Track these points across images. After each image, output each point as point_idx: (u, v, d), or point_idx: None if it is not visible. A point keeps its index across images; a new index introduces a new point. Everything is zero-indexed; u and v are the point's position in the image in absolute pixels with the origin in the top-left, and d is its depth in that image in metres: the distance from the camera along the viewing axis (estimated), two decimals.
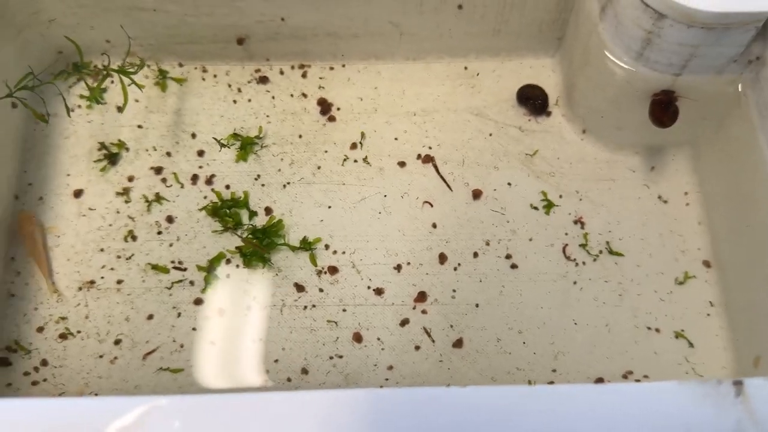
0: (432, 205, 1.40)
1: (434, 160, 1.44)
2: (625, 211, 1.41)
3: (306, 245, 1.35)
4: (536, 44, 1.51)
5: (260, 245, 1.33)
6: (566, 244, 1.38)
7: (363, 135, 1.46)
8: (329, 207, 1.40)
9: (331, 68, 1.53)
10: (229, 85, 1.50)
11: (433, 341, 1.30)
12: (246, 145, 1.42)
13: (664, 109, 1.27)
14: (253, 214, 1.38)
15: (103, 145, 1.41)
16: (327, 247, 1.37)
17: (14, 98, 1.29)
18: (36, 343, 1.27)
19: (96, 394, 1.23)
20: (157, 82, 1.48)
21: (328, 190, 1.42)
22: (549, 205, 1.41)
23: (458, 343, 1.30)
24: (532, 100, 1.48)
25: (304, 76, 1.51)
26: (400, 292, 1.34)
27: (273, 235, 1.36)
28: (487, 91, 1.51)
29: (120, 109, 1.40)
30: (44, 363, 1.26)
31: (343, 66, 1.53)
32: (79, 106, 1.45)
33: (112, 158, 1.40)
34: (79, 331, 1.28)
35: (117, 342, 1.27)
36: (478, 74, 1.52)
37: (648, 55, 1.21)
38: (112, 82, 1.49)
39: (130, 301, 1.30)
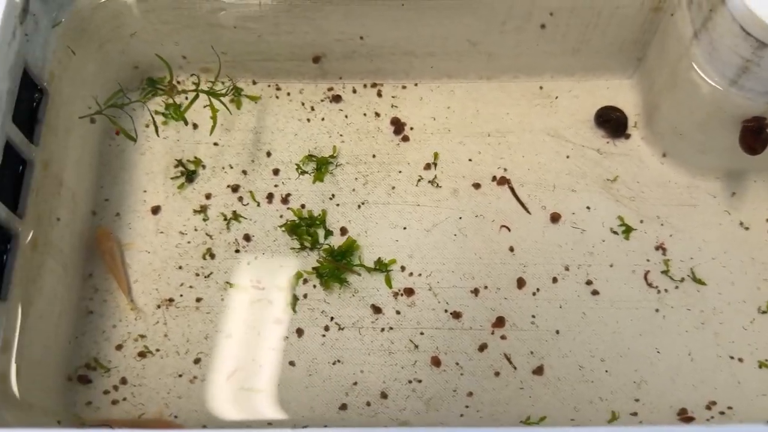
0: (509, 229, 1.38)
1: (510, 182, 1.43)
2: (707, 238, 1.39)
3: (381, 267, 1.34)
4: (615, 64, 1.49)
5: (337, 266, 1.31)
6: (648, 271, 1.35)
7: (436, 155, 1.45)
8: (404, 228, 1.39)
9: (404, 87, 1.52)
10: (303, 104, 1.49)
11: (515, 368, 1.28)
12: (322, 166, 1.41)
13: (755, 135, 1.24)
14: (329, 233, 1.37)
15: (180, 162, 1.41)
16: (403, 268, 1.35)
17: (95, 114, 1.29)
18: (115, 361, 1.27)
19: (176, 416, 1.22)
20: (233, 100, 1.47)
21: (402, 210, 1.40)
22: (628, 230, 1.38)
23: (539, 371, 1.28)
24: (612, 121, 1.45)
25: (379, 95, 1.50)
26: (477, 317, 1.32)
27: (348, 256, 1.34)
28: (563, 111, 1.49)
29: (198, 162, 1.41)
30: (123, 381, 1.25)
31: (416, 84, 1.52)
32: (155, 122, 1.45)
33: (190, 175, 1.40)
34: (158, 350, 1.28)
35: (196, 361, 1.27)
36: (556, 96, 1.50)
37: (743, 83, 1.19)
38: (186, 98, 1.48)
39: (209, 319, 1.30)
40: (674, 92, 1.33)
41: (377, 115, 1.48)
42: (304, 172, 1.42)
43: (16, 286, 1.08)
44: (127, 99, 1.31)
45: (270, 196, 1.40)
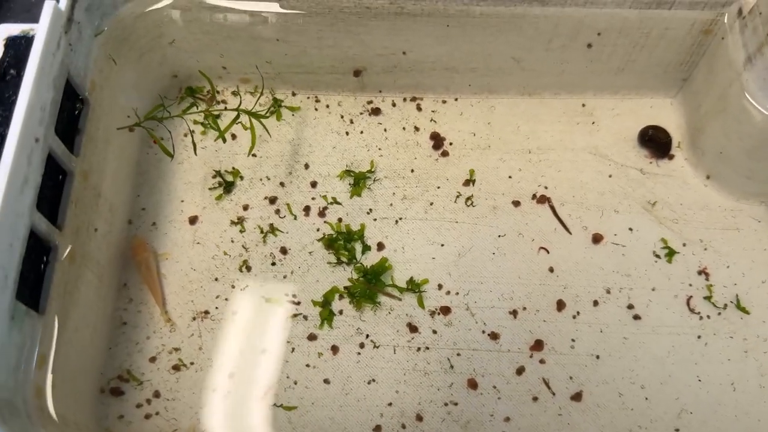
0: (548, 251, 1.36)
1: (551, 201, 1.40)
2: (751, 263, 1.36)
3: (414, 287, 1.32)
4: (658, 84, 1.46)
5: (369, 286, 1.29)
6: (690, 296, 1.32)
7: (476, 172, 1.43)
8: (442, 245, 1.37)
9: (444, 101, 1.50)
10: (342, 116, 1.47)
11: (553, 393, 1.25)
12: (359, 180, 1.39)
13: None
14: (366, 248, 1.35)
15: (218, 173, 1.40)
16: (440, 287, 1.33)
17: (133, 126, 1.28)
18: (148, 374, 1.26)
19: None
20: (272, 111, 1.46)
21: (440, 227, 1.38)
22: (671, 253, 1.35)
23: (578, 397, 1.25)
24: (656, 141, 1.43)
25: (418, 108, 1.48)
26: (516, 339, 1.29)
27: (380, 275, 1.32)
28: (606, 130, 1.46)
29: (236, 172, 1.39)
30: (156, 395, 1.24)
31: (456, 99, 1.50)
32: (193, 132, 1.44)
33: (228, 186, 1.39)
34: (192, 363, 1.26)
35: (230, 376, 1.25)
36: (595, 112, 1.48)
37: None
38: (225, 107, 1.47)
39: (244, 333, 1.28)
40: (722, 117, 1.30)
41: (416, 129, 1.46)
42: (355, 193, 1.40)
43: (53, 299, 1.07)
44: (167, 113, 1.29)
45: (307, 209, 1.39)
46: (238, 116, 1.25)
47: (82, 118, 1.17)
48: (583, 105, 1.48)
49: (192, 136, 1.34)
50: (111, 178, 1.27)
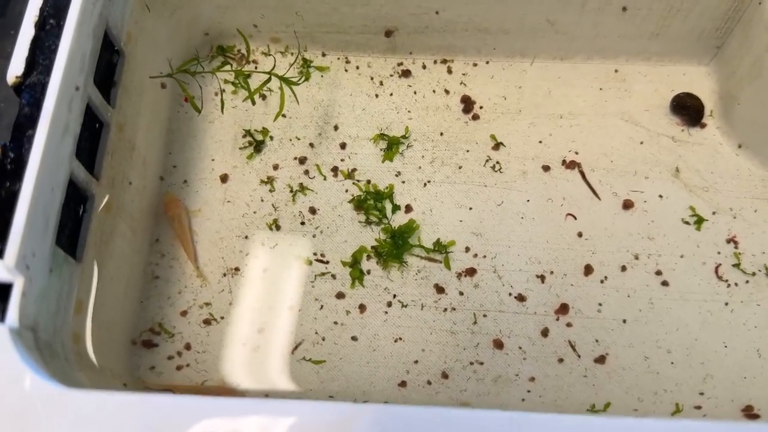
0: (575, 217, 1.36)
1: (581, 166, 1.40)
2: None
3: (441, 248, 1.33)
4: (692, 51, 1.45)
5: (395, 247, 1.30)
6: (719, 264, 1.32)
7: (506, 136, 1.42)
8: (470, 208, 1.37)
9: (475, 64, 1.49)
10: (372, 78, 1.47)
11: (579, 356, 1.26)
12: (393, 145, 1.39)
13: None
14: (396, 207, 1.36)
15: (248, 132, 1.41)
16: (467, 249, 1.34)
17: (165, 79, 1.28)
18: (179, 327, 1.28)
19: (238, 385, 1.23)
20: (301, 71, 1.46)
21: (469, 191, 1.38)
22: (700, 221, 1.35)
23: (603, 359, 1.26)
24: (688, 109, 1.42)
25: (449, 71, 1.47)
26: (542, 302, 1.30)
27: (408, 236, 1.33)
28: (638, 96, 1.46)
29: (266, 132, 1.40)
30: (188, 347, 1.26)
31: (487, 63, 1.49)
32: (224, 91, 1.45)
33: (258, 146, 1.40)
34: (222, 317, 1.28)
35: (260, 331, 1.27)
36: (628, 78, 1.47)
37: None
38: (256, 68, 1.47)
39: (273, 290, 1.30)
40: (757, 83, 1.29)
41: (447, 92, 1.46)
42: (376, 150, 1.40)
43: (90, 247, 1.09)
44: (201, 67, 1.30)
45: (336, 170, 1.39)
46: (269, 79, 1.25)
47: (119, 70, 1.18)
48: (616, 71, 1.47)
49: (222, 96, 1.35)
50: (144, 133, 1.28)
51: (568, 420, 0.82)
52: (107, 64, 1.15)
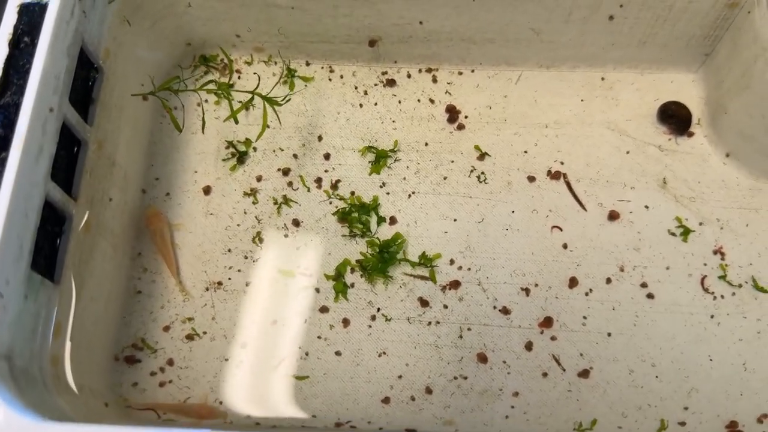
0: (561, 229, 1.35)
1: (566, 177, 1.39)
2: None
3: (426, 262, 1.32)
4: (680, 58, 1.43)
5: (380, 260, 1.29)
6: (705, 276, 1.31)
7: (491, 146, 1.41)
8: (455, 220, 1.36)
9: (460, 73, 1.48)
10: (356, 87, 1.46)
11: (563, 370, 1.25)
12: (381, 158, 1.38)
13: None
14: (381, 220, 1.35)
15: (231, 144, 1.39)
16: (452, 262, 1.33)
17: (147, 94, 1.27)
18: (162, 342, 1.27)
19: (221, 402, 1.23)
20: (285, 81, 1.44)
21: (454, 202, 1.37)
22: (686, 232, 1.34)
23: (588, 373, 1.26)
24: (676, 118, 1.40)
25: (434, 80, 1.46)
26: (527, 315, 1.29)
27: (395, 251, 1.32)
28: (625, 104, 1.44)
29: (249, 143, 1.38)
30: (170, 363, 1.26)
31: (473, 71, 1.48)
32: (206, 101, 1.43)
33: (241, 157, 1.38)
34: (205, 332, 1.28)
35: (243, 346, 1.27)
36: (615, 86, 1.45)
37: None
38: (239, 77, 1.46)
39: (256, 305, 1.29)
40: (745, 94, 1.27)
41: (431, 101, 1.45)
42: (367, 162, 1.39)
43: (68, 268, 1.08)
44: (183, 85, 1.29)
45: (320, 181, 1.38)
46: (252, 99, 1.23)
47: (96, 87, 1.17)
48: (603, 79, 1.46)
49: (203, 113, 1.33)
50: (125, 148, 1.27)
51: None
52: (84, 82, 1.14)
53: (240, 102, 1.29)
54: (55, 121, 1.03)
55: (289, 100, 1.34)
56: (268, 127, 1.40)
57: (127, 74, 1.27)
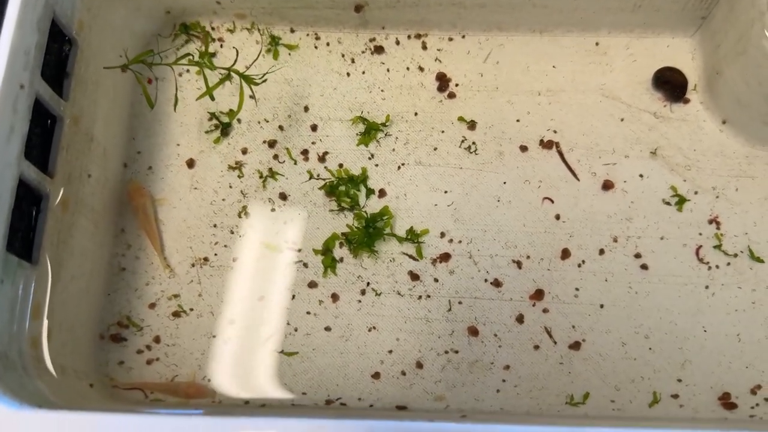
0: (555, 197, 1.32)
1: (559, 146, 1.35)
2: (764, 213, 1.31)
3: (413, 237, 1.29)
4: (675, 22, 1.38)
5: (366, 235, 1.26)
6: (700, 246, 1.29)
7: (482, 114, 1.37)
8: (445, 192, 1.33)
9: (450, 39, 1.43)
10: (343, 55, 1.41)
11: (555, 342, 1.24)
12: (371, 130, 1.34)
13: None
14: (370, 192, 1.31)
15: (213, 115, 1.35)
16: (443, 235, 1.30)
17: (125, 61, 1.23)
18: (148, 320, 1.25)
19: (209, 379, 1.21)
20: (269, 49, 1.40)
21: (444, 173, 1.34)
22: (681, 201, 1.31)
23: (580, 346, 1.24)
24: (671, 83, 1.36)
25: (423, 47, 1.41)
26: (518, 287, 1.27)
27: (383, 227, 1.29)
28: (619, 70, 1.40)
29: (232, 114, 1.34)
30: (157, 340, 1.24)
31: (463, 37, 1.43)
32: (188, 71, 1.39)
33: (224, 129, 1.35)
34: (192, 309, 1.26)
35: (231, 322, 1.25)
36: (609, 51, 1.41)
37: None
38: (222, 46, 1.41)
39: (243, 280, 1.27)
40: (742, 59, 1.23)
41: (421, 69, 1.40)
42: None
43: (46, 248, 1.05)
44: (158, 58, 1.24)
45: (306, 153, 1.35)
46: (228, 76, 1.19)
47: (71, 60, 1.12)
48: (597, 44, 1.42)
49: (176, 89, 1.29)
50: (103, 122, 1.23)
51: None
52: (58, 56, 1.10)
53: (221, 74, 1.25)
54: (26, 98, 0.99)
55: (266, 80, 1.30)
56: (252, 97, 1.36)
57: (104, 46, 1.22)
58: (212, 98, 1.31)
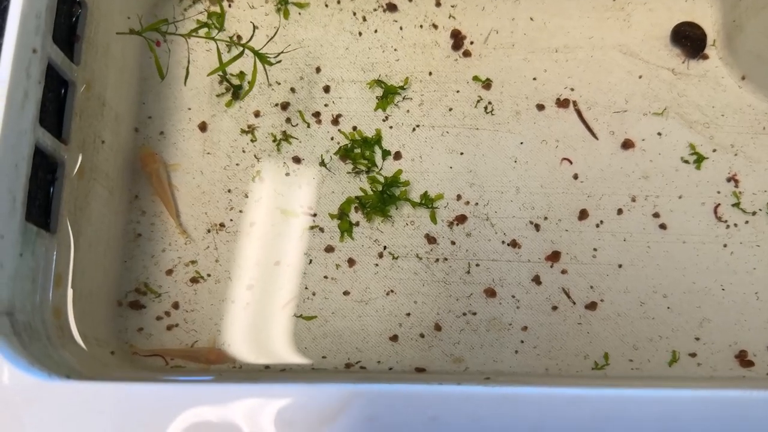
0: (573, 157, 1.30)
1: (577, 104, 1.33)
2: None
3: (427, 202, 1.28)
4: None
5: (380, 200, 1.25)
6: (718, 204, 1.28)
7: (498, 73, 1.35)
8: (461, 153, 1.31)
9: None
10: (354, 13, 1.38)
11: (573, 303, 1.24)
12: (389, 94, 1.31)
13: None
14: (386, 153, 1.30)
15: (224, 78, 1.33)
16: (459, 197, 1.29)
17: (135, 23, 1.20)
18: (166, 286, 1.25)
19: (229, 345, 1.21)
20: (279, 8, 1.37)
21: (460, 134, 1.32)
22: (700, 159, 1.30)
23: (598, 306, 1.24)
24: (690, 39, 1.34)
25: (437, 3, 1.38)
26: (536, 249, 1.27)
27: (400, 197, 1.27)
28: (637, 26, 1.37)
29: (248, 89, 1.30)
30: (176, 306, 1.24)
31: None
32: (199, 28, 1.35)
33: (236, 92, 1.32)
34: (209, 275, 1.25)
35: (249, 287, 1.24)
36: (626, 6, 1.38)
37: None
38: (231, 6, 1.38)
39: (260, 246, 1.26)
40: (764, 13, 1.21)
41: (435, 27, 1.37)
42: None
43: (64, 216, 1.04)
44: (174, 27, 1.21)
45: (320, 116, 1.33)
46: (242, 53, 1.16)
47: (81, 23, 1.10)
48: None
49: (188, 63, 1.26)
50: (114, 86, 1.21)
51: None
52: (68, 18, 1.07)
53: (229, 39, 1.21)
54: (39, 63, 0.97)
55: (280, 61, 1.27)
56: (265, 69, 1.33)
57: (112, 7, 1.19)
58: (224, 74, 1.29)
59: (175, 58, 1.33)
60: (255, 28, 1.25)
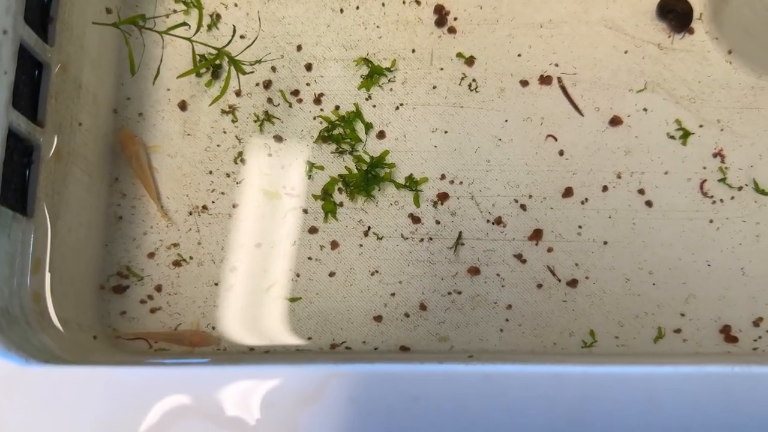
0: (558, 134, 1.29)
1: (562, 80, 1.32)
2: None
3: (412, 184, 1.27)
4: None
5: (363, 180, 1.24)
6: (704, 180, 1.27)
7: (483, 49, 1.33)
8: (445, 132, 1.30)
9: None
10: None
11: (559, 280, 1.23)
12: (374, 74, 1.29)
13: None
14: (368, 126, 1.28)
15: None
16: (443, 176, 1.28)
17: (111, 2, 1.18)
18: (148, 270, 1.24)
19: (213, 327, 1.21)
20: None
21: (444, 113, 1.31)
22: (686, 135, 1.29)
23: (583, 283, 1.24)
24: (676, 13, 1.32)
25: None
26: (521, 227, 1.26)
27: (384, 177, 1.26)
28: (623, 0, 1.35)
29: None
30: (158, 289, 1.23)
31: None
32: (174, 11, 1.33)
33: (216, 71, 1.30)
34: (192, 257, 1.24)
35: (232, 270, 1.23)
36: None
37: None
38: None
39: (243, 227, 1.25)
40: None
41: (417, 2, 1.35)
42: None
43: (41, 200, 1.03)
44: (152, 23, 1.19)
45: (301, 95, 1.31)
46: (216, 57, 1.14)
47: (54, 4, 1.07)
48: None
49: (161, 63, 1.24)
50: (91, 67, 1.19)
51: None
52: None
53: (211, 16, 1.19)
54: (10, 44, 0.95)
55: (254, 72, 1.26)
56: (242, 37, 1.31)
57: None
58: (199, 75, 1.27)
59: (151, 38, 1.31)
60: (234, 32, 1.22)
